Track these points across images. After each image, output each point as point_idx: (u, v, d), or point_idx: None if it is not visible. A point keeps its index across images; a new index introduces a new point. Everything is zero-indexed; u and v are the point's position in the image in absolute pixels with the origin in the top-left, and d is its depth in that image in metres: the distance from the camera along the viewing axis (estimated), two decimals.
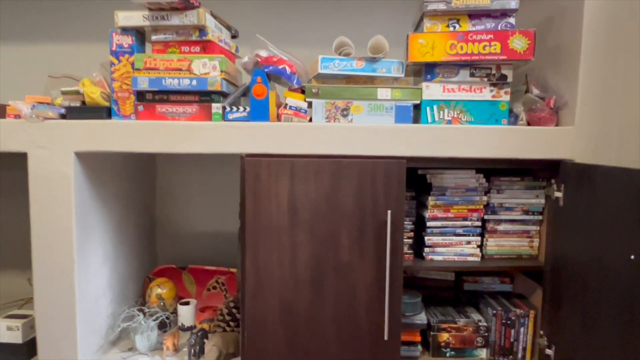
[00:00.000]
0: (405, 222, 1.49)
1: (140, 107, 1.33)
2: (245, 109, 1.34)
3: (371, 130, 1.31)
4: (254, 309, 1.35)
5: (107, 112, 1.36)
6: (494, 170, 1.51)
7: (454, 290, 1.76)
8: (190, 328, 1.68)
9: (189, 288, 1.89)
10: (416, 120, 1.41)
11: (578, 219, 1.24)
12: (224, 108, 1.34)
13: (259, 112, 1.32)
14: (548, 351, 1.36)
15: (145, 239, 1.91)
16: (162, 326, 1.66)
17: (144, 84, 1.30)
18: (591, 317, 1.15)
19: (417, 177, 1.50)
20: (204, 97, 1.34)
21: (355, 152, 1.32)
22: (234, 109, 1.34)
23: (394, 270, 1.34)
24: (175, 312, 1.73)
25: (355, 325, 1.36)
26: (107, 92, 1.36)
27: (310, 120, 1.37)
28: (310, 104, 1.36)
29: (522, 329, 1.51)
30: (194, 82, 1.30)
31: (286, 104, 1.34)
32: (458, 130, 1.32)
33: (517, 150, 1.32)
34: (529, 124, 1.40)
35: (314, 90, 1.35)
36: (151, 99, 1.34)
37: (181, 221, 2.02)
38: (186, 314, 1.69)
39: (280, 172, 1.31)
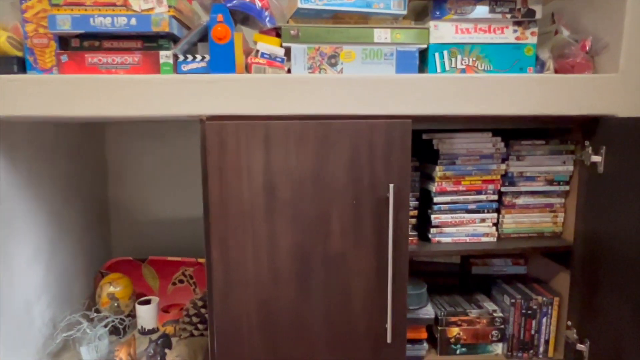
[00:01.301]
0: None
1: (64, 58, 1.01)
2: (203, 57, 1.03)
3: (367, 83, 1.03)
4: (225, 312, 1.08)
5: (19, 64, 1.03)
6: (514, 133, 1.25)
7: (460, 275, 1.52)
8: (151, 331, 1.40)
9: (151, 283, 1.60)
10: (422, 69, 1.13)
11: (622, 189, 1.00)
12: (175, 57, 1.02)
13: (222, 62, 1.01)
14: (580, 346, 1.14)
15: (95, 228, 1.60)
16: (117, 332, 1.38)
17: (65, 24, 0.98)
18: (629, 308, 0.92)
19: (421, 143, 1.23)
20: (148, 42, 1.02)
21: (347, 111, 1.03)
22: (189, 57, 1.03)
23: (397, 259, 1.08)
24: (133, 313, 1.44)
25: (350, 328, 1.11)
26: (18, 38, 1.03)
27: (289, 71, 1.07)
28: (288, 51, 1.06)
29: (544, 319, 1.28)
30: (133, 22, 0.98)
31: (257, 51, 1.03)
32: (475, 82, 1.04)
33: (547, 105, 1.06)
34: (556, 72, 1.13)
35: (292, 32, 1.05)
36: (78, 47, 1.02)
37: (139, 205, 1.71)
38: (146, 315, 1.41)
39: (251, 139, 1.01)
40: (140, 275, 1.58)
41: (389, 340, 1.08)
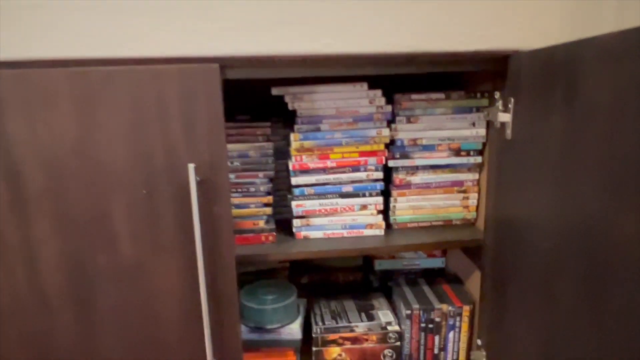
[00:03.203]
0: (259, 180, 0.88)
1: None
2: None
3: (144, 10, 0.66)
4: None
5: None
6: (400, 83, 0.90)
7: (363, 271, 1.20)
8: None
9: None
10: None
11: (531, 159, 0.66)
12: None
13: None
14: None
15: None
16: None
17: None
18: (556, 329, 0.60)
19: (275, 103, 0.87)
20: None
21: (117, 52, 0.67)
22: None
23: (215, 269, 0.75)
24: None
25: None
26: None
27: None
28: None
29: (451, 334, 0.97)
30: None
31: None
32: (320, 2, 0.68)
33: (438, 37, 0.71)
34: None
35: None
36: None
37: None
38: None
39: None
40: None
41: None
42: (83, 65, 0.67)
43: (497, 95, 0.77)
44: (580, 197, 0.53)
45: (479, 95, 0.88)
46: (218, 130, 0.70)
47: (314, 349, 0.97)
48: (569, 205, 0.55)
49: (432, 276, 1.12)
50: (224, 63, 0.69)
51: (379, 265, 1.15)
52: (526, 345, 0.70)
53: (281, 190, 0.98)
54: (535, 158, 0.65)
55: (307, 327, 1.00)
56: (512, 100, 0.71)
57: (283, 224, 0.96)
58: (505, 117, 0.73)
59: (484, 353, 0.87)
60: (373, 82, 0.86)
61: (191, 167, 0.68)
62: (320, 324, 0.99)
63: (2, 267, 0.72)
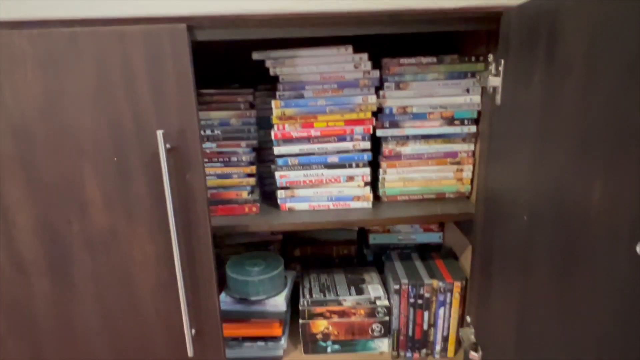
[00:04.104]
0: (241, 149, 0.86)
1: None
2: None
3: None
4: None
5: None
6: (389, 49, 0.84)
7: (358, 245, 1.18)
8: None
9: None
10: None
11: (522, 124, 0.61)
12: None
13: None
14: (473, 355, 0.81)
15: None
16: None
17: None
18: (530, 301, 0.57)
19: (258, 68, 0.83)
20: None
21: (84, 12, 0.64)
22: None
23: (190, 238, 0.73)
24: None
25: (143, 338, 0.79)
26: None
27: None
28: None
29: (441, 311, 0.94)
30: None
31: None
32: None
33: None
34: None
35: None
36: None
37: None
38: None
39: None
40: None
41: (189, 353, 0.76)
42: (46, 27, 0.64)
43: (490, 57, 0.71)
44: (555, 165, 0.48)
45: (473, 59, 0.81)
46: (188, 96, 0.67)
47: (300, 321, 0.96)
48: (544, 173, 0.51)
49: (429, 251, 1.08)
50: (192, 23, 0.65)
51: (374, 239, 1.12)
52: (505, 320, 0.66)
53: (269, 161, 0.96)
54: (519, 125, 0.60)
55: (296, 300, 0.99)
56: (502, 62, 0.65)
57: (271, 195, 0.93)
58: (495, 81, 0.67)
59: (472, 330, 0.84)
60: (360, 48, 0.80)
61: (159, 133, 0.66)
62: (308, 296, 0.97)
63: None
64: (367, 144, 0.85)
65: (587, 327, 0.45)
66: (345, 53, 0.80)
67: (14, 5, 0.64)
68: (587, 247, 0.44)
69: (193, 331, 0.77)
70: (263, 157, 0.96)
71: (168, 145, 0.68)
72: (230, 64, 1.04)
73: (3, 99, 0.66)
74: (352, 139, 0.85)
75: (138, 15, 0.65)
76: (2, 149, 0.68)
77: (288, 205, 0.88)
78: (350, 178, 0.87)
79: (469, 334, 0.85)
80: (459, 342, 0.97)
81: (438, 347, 0.96)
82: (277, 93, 0.82)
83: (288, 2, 0.65)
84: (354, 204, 0.88)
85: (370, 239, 1.12)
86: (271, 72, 0.81)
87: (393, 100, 0.83)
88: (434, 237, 1.12)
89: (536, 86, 0.52)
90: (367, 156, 0.86)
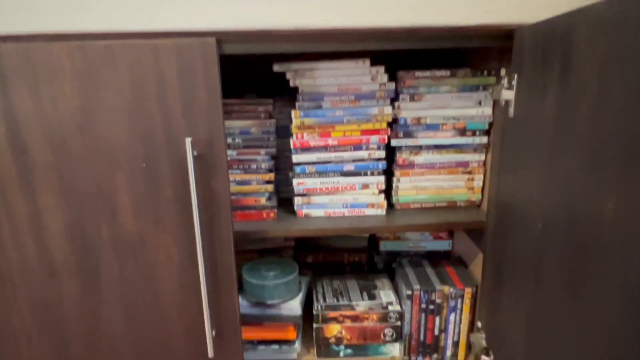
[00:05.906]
0: (260, 157, 0.89)
1: None
2: None
3: None
4: None
5: None
6: (404, 63, 0.88)
7: (369, 252, 1.20)
8: None
9: None
10: None
11: (535, 137, 0.64)
12: None
13: None
14: (485, 359, 0.83)
15: None
16: None
17: None
18: (540, 308, 0.59)
19: (283, 81, 0.87)
20: None
21: (119, 26, 0.68)
22: None
23: (213, 244, 0.76)
24: None
25: (165, 338, 0.81)
26: None
27: None
28: None
29: (452, 316, 0.97)
30: None
31: None
32: None
33: (443, 11, 0.69)
34: None
35: None
36: None
37: None
38: None
39: None
40: None
41: (210, 354, 0.78)
42: (83, 39, 0.68)
43: (502, 72, 0.74)
44: (567, 178, 0.51)
45: (485, 73, 0.85)
46: (215, 106, 0.71)
47: (314, 325, 0.98)
48: (557, 185, 0.54)
49: (438, 259, 1.11)
50: (221, 37, 0.69)
51: (384, 246, 1.15)
52: (515, 325, 0.69)
53: (286, 169, 0.99)
54: (532, 137, 0.63)
55: (310, 305, 1.02)
56: (516, 76, 0.68)
57: (287, 202, 0.97)
58: (508, 95, 0.71)
59: (483, 335, 0.87)
60: (376, 61, 0.84)
61: (188, 141, 0.69)
62: (321, 301, 1.00)
63: (12, 238, 0.75)
64: (382, 153, 0.88)
65: (596, 336, 0.47)
66: (362, 66, 0.83)
67: (54, 19, 0.67)
68: (599, 259, 0.47)
69: (214, 332, 0.80)
70: (279, 165, 0.99)
71: (195, 152, 0.71)
72: (247, 74, 1.08)
73: (42, 109, 0.69)
74: (367, 148, 0.88)
75: (170, 29, 0.69)
76: (40, 157, 0.71)
77: (304, 211, 0.91)
78: (365, 186, 0.90)
79: (480, 339, 0.87)
80: (469, 347, 0.99)
81: (449, 352, 0.99)
82: (297, 103, 0.85)
83: (311, 19, 0.69)
84: (368, 211, 0.91)
85: (380, 246, 1.15)
86: (291, 84, 0.85)
87: (407, 111, 0.87)
88: (444, 245, 1.15)
89: (550, 101, 0.56)
90: (381, 165, 0.89)
